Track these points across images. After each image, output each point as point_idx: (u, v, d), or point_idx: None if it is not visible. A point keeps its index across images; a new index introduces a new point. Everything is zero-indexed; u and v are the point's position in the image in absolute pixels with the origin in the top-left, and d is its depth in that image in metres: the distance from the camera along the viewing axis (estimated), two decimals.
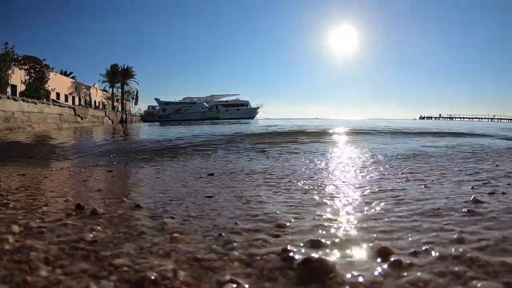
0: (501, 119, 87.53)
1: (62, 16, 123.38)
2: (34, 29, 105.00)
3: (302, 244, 1.42)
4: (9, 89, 29.93)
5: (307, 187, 2.92)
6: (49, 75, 36.83)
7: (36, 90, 33.08)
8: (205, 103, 70.80)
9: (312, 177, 3.56)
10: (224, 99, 74.79)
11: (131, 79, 64.91)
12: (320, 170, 4.18)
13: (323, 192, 2.69)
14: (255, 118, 68.40)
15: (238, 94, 75.36)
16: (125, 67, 63.68)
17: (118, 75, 62.55)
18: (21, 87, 33.42)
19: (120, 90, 64.11)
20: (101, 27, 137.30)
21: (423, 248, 1.35)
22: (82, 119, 36.33)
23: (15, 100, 23.75)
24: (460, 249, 1.31)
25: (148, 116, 67.84)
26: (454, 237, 1.47)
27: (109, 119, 45.91)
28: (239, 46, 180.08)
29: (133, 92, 67.10)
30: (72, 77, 54.96)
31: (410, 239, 1.48)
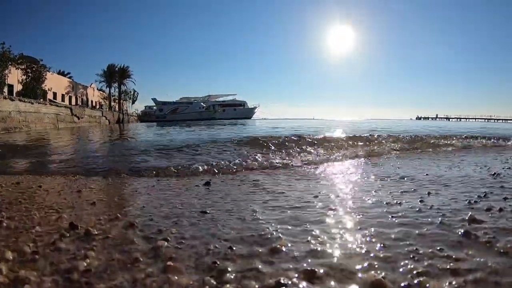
0: (497, 119, 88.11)
1: (61, 16, 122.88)
2: (32, 29, 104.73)
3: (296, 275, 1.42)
4: (5, 89, 29.84)
5: None
6: (46, 74, 36.74)
7: (33, 90, 32.99)
8: (202, 103, 70.77)
9: None
10: (221, 99, 74.89)
11: (128, 79, 64.78)
12: None
13: None
14: (252, 118, 68.51)
15: (235, 94, 75.55)
16: (122, 67, 63.57)
17: (115, 75, 62.45)
18: (18, 87, 33.37)
19: (117, 90, 63.95)
20: (99, 27, 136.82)
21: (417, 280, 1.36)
22: (79, 119, 36.20)
23: (12, 100, 23.64)
24: None
25: (145, 116, 67.79)
26: None
27: (106, 119, 45.77)
28: (238, 47, 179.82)
29: (130, 92, 66.95)
30: (69, 77, 54.80)
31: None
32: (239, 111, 70.76)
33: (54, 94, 43.41)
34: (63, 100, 45.43)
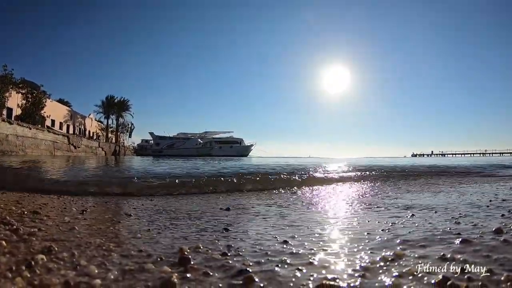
0: (492, 153, 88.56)
1: (65, 43, 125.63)
2: (35, 54, 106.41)
3: None
4: (4, 112, 29.66)
5: None
6: (45, 101, 36.71)
7: (31, 115, 32.82)
8: (199, 139, 70.70)
9: None
10: (218, 136, 74.75)
11: (126, 111, 64.90)
12: None
13: None
14: (248, 156, 68.27)
15: (232, 132, 75.59)
16: (121, 99, 63.84)
17: (114, 107, 62.56)
18: (17, 111, 33.15)
19: (115, 121, 63.91)
20: (100, 57, 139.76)
21: None
22: (75, 148, 35.83)
23: (10, 123, 23.38)
24: None
25: (141, 150, 67.42)
26: None
27: (103, 150, 45.44)
28: (236, 85, 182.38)
29: (128, 124, 66.77)
30: (69, 106, 54.83)
31: None
32: (236, 149, 70.60)
33: (53, 121, 43.25)
34: (61, 128, 45.18)
